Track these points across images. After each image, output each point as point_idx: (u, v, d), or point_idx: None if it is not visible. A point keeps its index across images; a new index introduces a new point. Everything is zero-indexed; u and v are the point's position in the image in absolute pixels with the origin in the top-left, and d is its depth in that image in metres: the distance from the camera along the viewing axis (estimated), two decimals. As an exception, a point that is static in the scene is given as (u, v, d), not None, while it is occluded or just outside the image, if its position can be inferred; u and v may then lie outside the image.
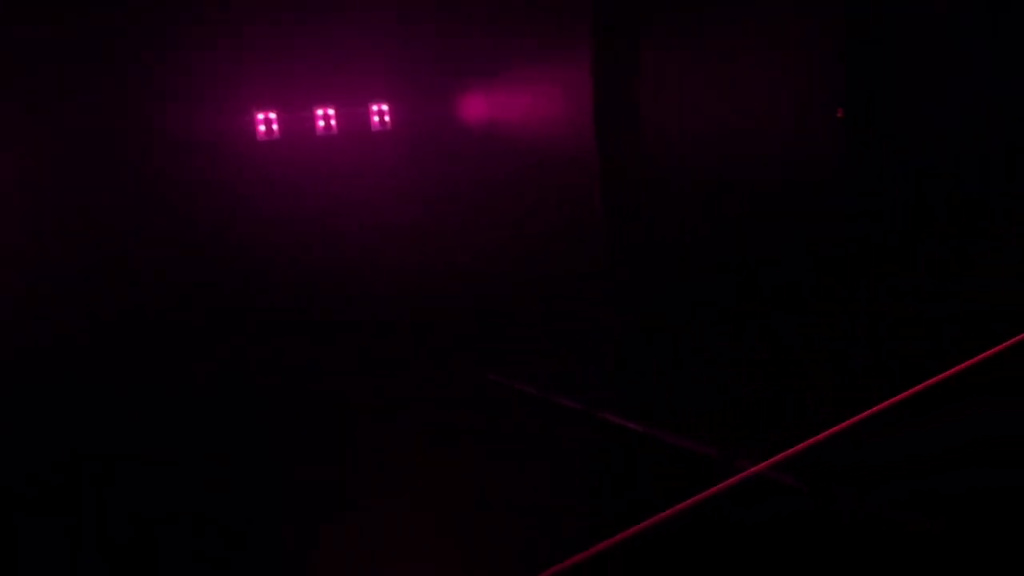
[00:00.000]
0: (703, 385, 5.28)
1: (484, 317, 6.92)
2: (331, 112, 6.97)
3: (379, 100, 7.28)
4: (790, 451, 4.20)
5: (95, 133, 5.87)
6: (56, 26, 5.68)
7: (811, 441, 4.30)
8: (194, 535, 3.92)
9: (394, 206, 7.21)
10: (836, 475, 3.99)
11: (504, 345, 6.34)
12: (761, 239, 7.82)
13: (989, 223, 8.49)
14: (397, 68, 7.38)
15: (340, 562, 3.63)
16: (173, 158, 6.14)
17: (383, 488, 4.21)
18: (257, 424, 5.27)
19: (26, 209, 5.66)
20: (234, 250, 6.37)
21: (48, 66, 5.72)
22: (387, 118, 7.31)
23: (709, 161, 7.63)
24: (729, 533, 3.61)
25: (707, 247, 7.68)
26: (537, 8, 7.40)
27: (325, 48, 6.92)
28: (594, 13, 7.10)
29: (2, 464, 4.81)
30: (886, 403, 4.67)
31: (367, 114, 7.22)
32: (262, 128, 6.60)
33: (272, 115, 6.64)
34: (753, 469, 4.06)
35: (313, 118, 6.89)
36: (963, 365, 5.08)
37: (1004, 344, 5.33)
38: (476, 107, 7.84)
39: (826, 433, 4.38)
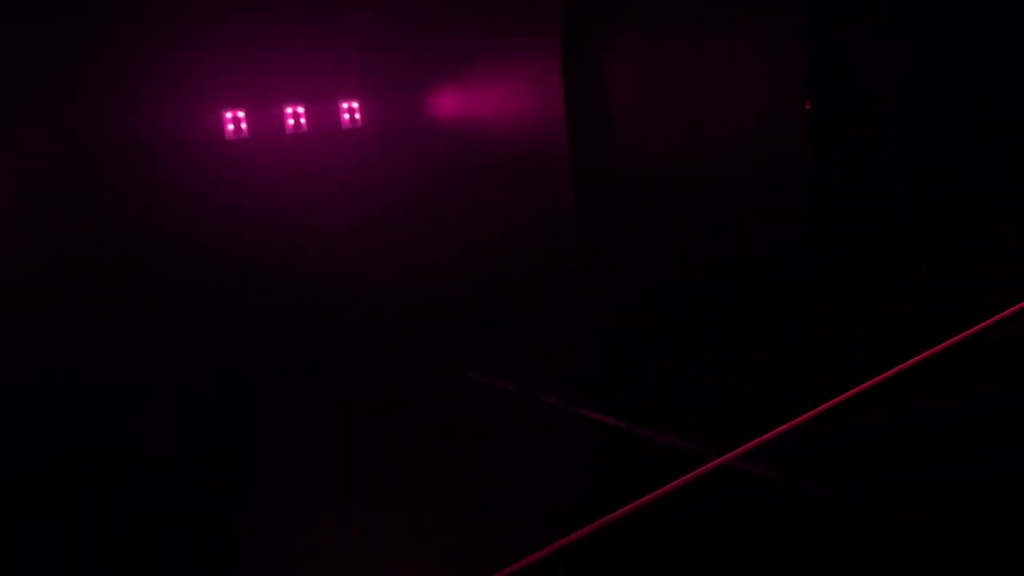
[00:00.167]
0: (683, 381, 5.31)
1: (456, 314, 6.93)
2: (301, 110, 6.93)
3: (350, 97, 7.23)
4: (758, 440, 4.22)
5: (56, 133, 5.82)
6: (18, 26, 5.64)
7: (782, 428, 4.33)
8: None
9: (366, 204, 7.18)
10: (809, 465, 4.01)
11: (479, 343, 6.38)
12: (734, 234, 7.82)
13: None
14: (368, 65, 7.31)
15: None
16: (136, 158, 6.08)
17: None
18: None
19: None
20: (203, 250, 6.33)
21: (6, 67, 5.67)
22: (358, 115, 7.27)
23: (681, 154, 7.62)
24: (694, 525, 3.63)
25: (682, 241, 7.68)
26: (508, 4, 7.39)
27: (294, 45, 6.84)
28: (564, 9, 7.12)
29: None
30: (857, 389, 4.71)
31: (338, 111, 7.17)
32: (230, 127, 6.56)
33: (240, 113, 6.59)
34: (720, 459, 4.08)
35: (283, 116, 6.84)
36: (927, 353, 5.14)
37: (959, 335, 5.38)
38: (448, 103, 7.80)
39: (798, 420, 4.41)
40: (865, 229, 8.32)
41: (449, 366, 5.95)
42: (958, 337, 5.35)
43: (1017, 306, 5.73)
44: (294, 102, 6.89)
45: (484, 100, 7.68)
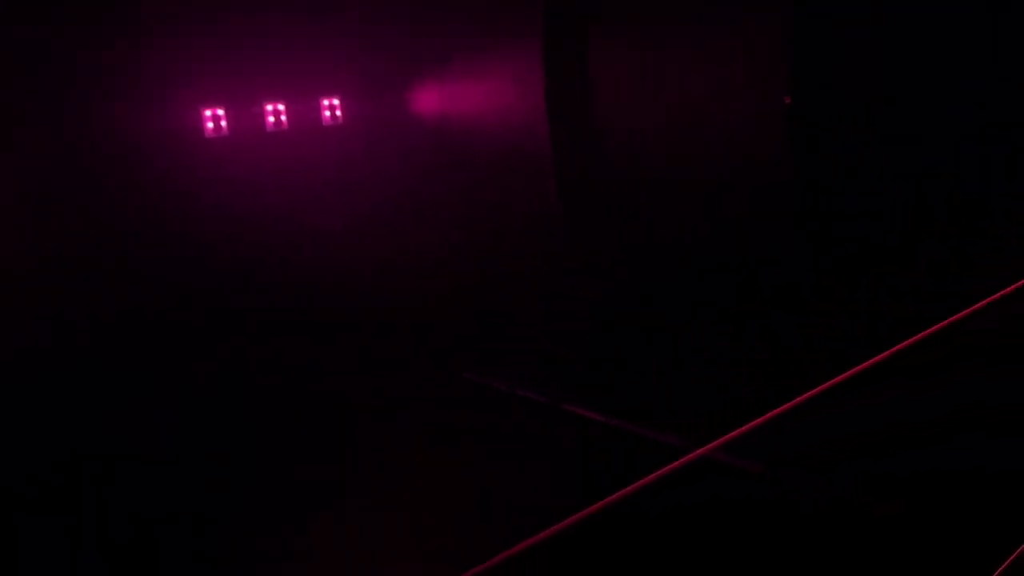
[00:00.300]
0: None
1: (436, 312, 6.92)
2: (281, 107, 6.87)
3: (330, 94, 7.18)
4: (738, 431, 4.24)
5: (34, 132, 5.79)
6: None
7: (762, 419, 4.35)
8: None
9: (347, 200, 7.14)
10: (792, 455, 4.02)
11: (463, 341, 6.37)
12: (722, 232, 7.81)
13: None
14: (348, 61, 7.27)
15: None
16: (115, 157, 6.05)
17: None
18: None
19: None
20: (186, 248, 6.30)
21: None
22: (338, 112, 7.23)
23: (666, 152, 7.62)
24: (676, 515, 3.65)
25: (671, 239, 7.68)
26: (491, 1, 7.37)
27: (274, 42, 6.80)
28: (545, 8, 7.12)
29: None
30: (837, 379, 4.73)
31: (318, 108, 7.12)
32: (210, 125, 6.50)
33: (220, 111, 6.53)
34: (700, 451, 4.09)
35: (263, 113, 6.78)
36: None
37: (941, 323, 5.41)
38: (429, 100, 7.78)
39: (779, 410, 4.43)
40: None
41: (429, 363, 5.95)
42: (938, 326, 5.39)
43: (995, 296, 5.78)
44: (274, 99, 6.83)
45: (467, 98, 7.66)
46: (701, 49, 7.87)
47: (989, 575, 3.02)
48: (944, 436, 4.11)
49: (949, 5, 9.22)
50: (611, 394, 5.07)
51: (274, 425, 5.16)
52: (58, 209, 5.86)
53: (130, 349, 5.95)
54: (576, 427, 4.81)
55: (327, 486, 4.28)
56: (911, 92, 8.93)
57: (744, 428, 4.28)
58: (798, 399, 4.55)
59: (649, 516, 3.66)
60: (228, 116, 6.56)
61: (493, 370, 5.71)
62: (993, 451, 3.95)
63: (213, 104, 6.48)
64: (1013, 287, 5.97)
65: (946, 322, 5.43)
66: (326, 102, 7.13)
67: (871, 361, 5.00)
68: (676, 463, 3.98)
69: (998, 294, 5.81)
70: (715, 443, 4.14)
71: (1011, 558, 3.09)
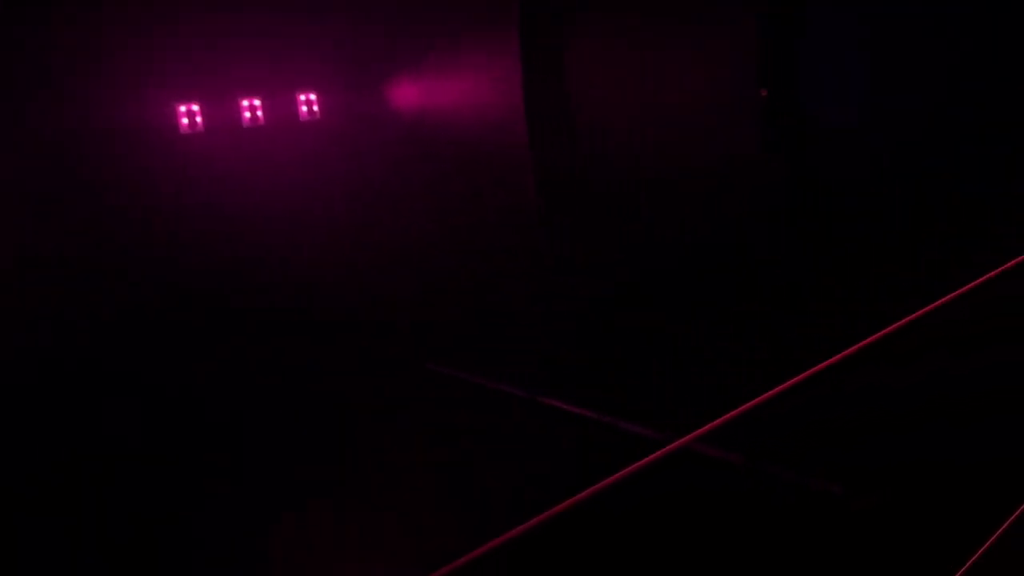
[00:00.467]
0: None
1: (414, 307, 6.93)
2: (257, 103, 6.83)
3: (307, 89, 7.14)
4: (716, 422, 4.27)
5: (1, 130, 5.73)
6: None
7: (741, 409, 4.38)
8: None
9: (324, 196, 7.10)
10: (769, 446, 4.06)
11: (439, 334, 6.40)
12: (693, 223, 7.81)
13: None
14: (326, 56, 7.18)
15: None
16: (85, 153, 6.00)
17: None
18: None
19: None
20: (159, 248, 6.27)
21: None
22: (316, 107, 7.19)
23: (640, 144, 7.61)
24: (651, 508, 3.69)
25: (644, 229, 7.68)
26: None
27: (250, 36, 6.71)
28: (522, 1, 7.10)
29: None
30: (817, 367, 4.78)
31: (295, 103, 7.09)
32: (184, 121, 6.48)
33: (195, 107, 6.50)
34: (678, 442, 4.12)
35: (239, 109, 6.73)
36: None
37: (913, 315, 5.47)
38: (408, 95, 7.70)
39: (757, 400, 4.46)
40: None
41: (402, 357, 5.98)
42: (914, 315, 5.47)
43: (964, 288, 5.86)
44: (250, 94, 6.75)
45: (445, 93, 7.62)
46: (678, 42, 7.85)
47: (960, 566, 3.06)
48: (922, 425, 4.16)
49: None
50: (591, 389, 5.10)
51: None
52: (28, 207, 5.80)
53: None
54: (555, 421, 4.83)
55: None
56: (901, 83, 8.92)
57: (723, 419, 4.31)
58: (777, 388, 4.59)
59: (625, 508, 3.68)
60: (204, 111, 6.48)
61: (463, 363, 5.72)
62: (968, 439, 4.03)
63: (186, 99, 6.39)
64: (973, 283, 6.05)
65: (928, 308, 5.50)
66: (303, 97, 7.08)
67: (846, 351, 5.06)
68: (652, 456, 4.01)
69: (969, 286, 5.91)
70: (692, 435, 4.17)
71: (982, 549, 3.12)
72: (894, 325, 5.46)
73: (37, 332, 5.85)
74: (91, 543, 3.92)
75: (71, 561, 3.81)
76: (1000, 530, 3.26)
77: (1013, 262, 6.65)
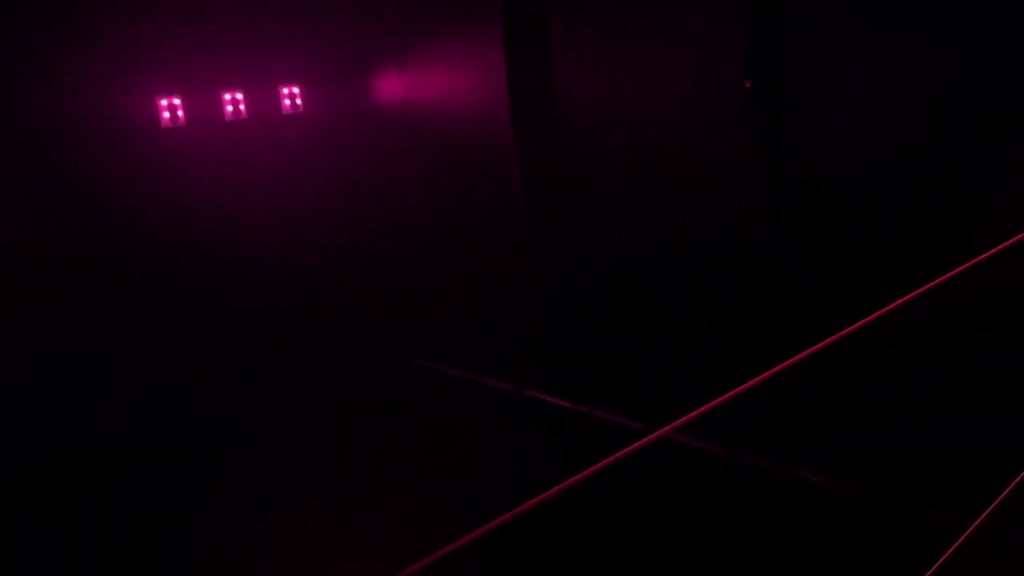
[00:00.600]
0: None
1: (398, 302, 6.92)
2: (240, 96, 6.75)
3: (290, 83, 7.08)
4: (699, 411, 4.28)
5: None
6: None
7: (723, 398, 4.39)
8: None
9: (307, 190, 7.05)
10: (753, 436, 4.07)
11: (421, 329, 6.40)
12: (679, 217, 7.78)
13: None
14: (309, 50, 7.12)
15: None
16: (66, 149, 5.96)
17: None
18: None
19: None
20: (142, 246, 6.23)
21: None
22: (299, 101, 7.13)
23: (625, 137, 7.59)
24: (632, 498, 3.71)
25: (640, 230, 7.66)
26: None
27: (232, 29, 6.66)
28: None
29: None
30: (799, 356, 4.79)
31: (278, 97, 7.03)
32: (166, 115, 6.38)
33: (177, 101, 6.41)
34: (659, 432, 4.13)
35: (221, 103, 6.65)
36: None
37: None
38: (391, 88, 7.64)
39: (739, 389, 4.48)
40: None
41: (384, 351, 5.98)
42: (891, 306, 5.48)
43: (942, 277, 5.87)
44: (233, 88, 6.67)
45: (428, 87, 7.57)
46: (666, 37, 7.82)
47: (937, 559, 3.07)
48: (905, 415, 4.19)
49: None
50: (571, 380, 5.13)
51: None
52: (10, 202, 5.76)
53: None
54: (542, 414, 4.84)
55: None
56: (900, 83, 8.91)
57: (705, 408, 4.32)
58: (760, 377, 4.61)
59: (605, 498, 3.70)
60: (185, 106, 6.42)
61: (448, 356, 5.72)
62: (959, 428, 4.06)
63: (168, 93, 6.32)
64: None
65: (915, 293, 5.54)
66: (286, 91, 7.02)
67: (827, 341, 5.09)
68: (633, 446, 4.01)
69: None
70: (674, 424, 4.17)
71: (958, 542, 3.14)
72: (884, 309, 5.47)
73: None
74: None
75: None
76: (979, 519, 3.27)
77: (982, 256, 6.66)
